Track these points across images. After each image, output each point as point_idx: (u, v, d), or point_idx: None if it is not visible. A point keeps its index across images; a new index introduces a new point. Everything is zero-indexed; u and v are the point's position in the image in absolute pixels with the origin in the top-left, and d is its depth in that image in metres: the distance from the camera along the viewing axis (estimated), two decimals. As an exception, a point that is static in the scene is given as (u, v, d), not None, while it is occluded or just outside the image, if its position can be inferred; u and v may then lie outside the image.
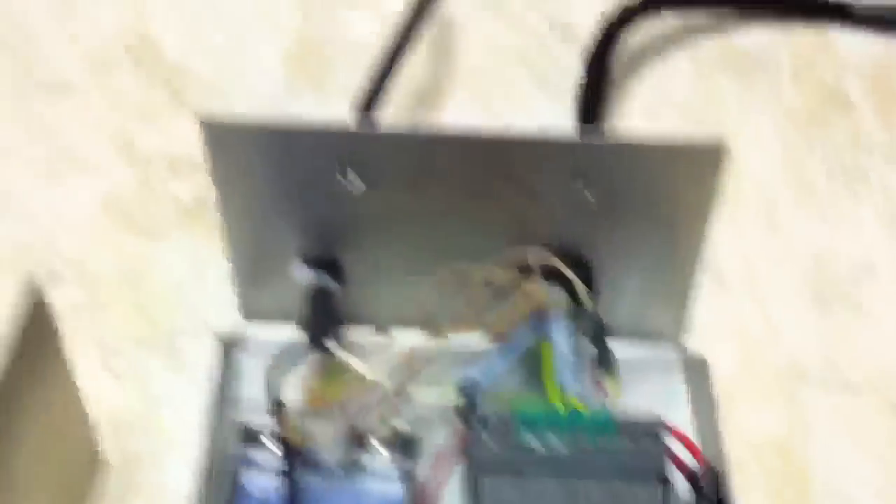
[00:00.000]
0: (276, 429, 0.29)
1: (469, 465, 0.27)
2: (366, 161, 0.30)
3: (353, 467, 0.29)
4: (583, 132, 0.38)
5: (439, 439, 0.29)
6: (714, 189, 0.30)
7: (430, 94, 0.43)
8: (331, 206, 0.31)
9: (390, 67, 0.38)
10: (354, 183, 0.30)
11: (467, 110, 0.42)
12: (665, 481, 0.27)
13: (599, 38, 0.42)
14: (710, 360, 0.31)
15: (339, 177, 0.30)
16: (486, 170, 0.30)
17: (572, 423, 0.27)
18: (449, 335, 0.30)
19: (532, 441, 0.27)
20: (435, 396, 0.30)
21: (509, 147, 0.29)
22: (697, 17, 0.46)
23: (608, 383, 0.29)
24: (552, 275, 0.31)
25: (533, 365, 0.31)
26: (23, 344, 0.25)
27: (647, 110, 0.42)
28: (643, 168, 0.29)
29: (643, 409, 0.29)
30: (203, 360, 0.33)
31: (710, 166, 0.29)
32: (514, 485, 0.27)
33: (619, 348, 0.32)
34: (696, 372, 0.31)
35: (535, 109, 0.42)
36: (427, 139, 0.30)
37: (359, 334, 0.32)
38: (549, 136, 0.30)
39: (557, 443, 0.27)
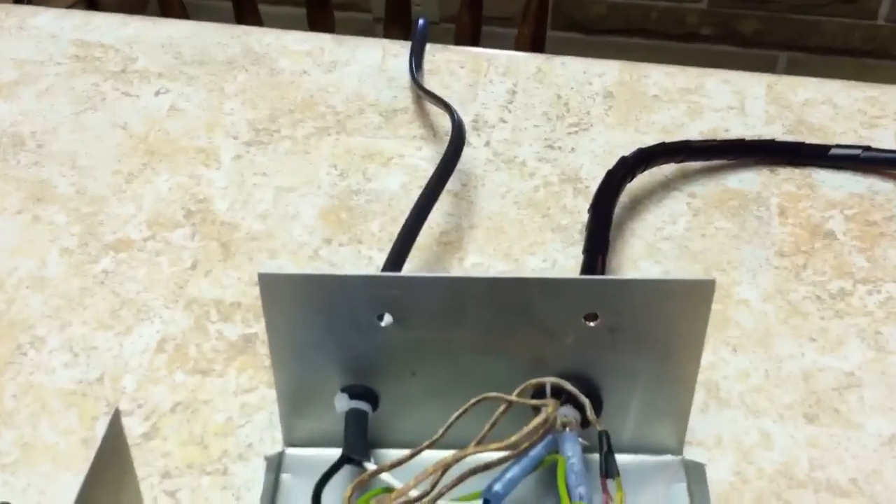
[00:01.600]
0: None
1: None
2: (399, 303, 0.34)
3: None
4: (590, 272, 0.42)
5: (465, 545, 0.33)
6: (706, 318, 0.34)
7: (453, 240, 0.47)
8: (368, 344, 0.35)
9: (419, 222, 0.43)
10: (389, 323, 0.34)
11: (487, 252, 0.47)
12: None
13: (603, 186, 0.46)
14: (708, 466, 0.35)
15: (375, 318, 0.34)
16: (507, 308, 0.34)
17: (581, 523, 0.30)
18: (477, 452, 0.34)
19: (546, 540, 0.30)
20: (460, 506, 0.33)
21: (526, 287, 0.34)
22: (693, 164, 0.51)
23: (613, 488, 0.32)
24: (565, 396, 0.34)
25: (547, 475, 0.34)
26: (102, 464, 0.29)
27: (648, 247, 0.47)
28: (644, 302, 0.34)
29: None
30: (251, 482, 0.37)
31: (702, 299, 0.33)
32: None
33: (627, 460, 0.36)
34: (695, 476, 0.35)
35: (548, 251, 0.47)
36: (453, 283, 0.34)
37: (384, 453, 0.36)
38: (560, 277, 0.34)
39: (568, 540, 0.30)
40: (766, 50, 1.46)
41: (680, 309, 0.34)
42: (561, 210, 0.49)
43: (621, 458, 0.36)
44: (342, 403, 0.36)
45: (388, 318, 0.35)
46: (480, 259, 0.46)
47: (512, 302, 0.34)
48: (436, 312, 0.34)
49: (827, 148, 0.50)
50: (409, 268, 0.44)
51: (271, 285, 0.34)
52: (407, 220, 0.43)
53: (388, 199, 0.49)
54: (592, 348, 0.35)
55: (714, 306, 0.43)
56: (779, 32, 1.44)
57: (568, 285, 0.34)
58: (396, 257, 0.41)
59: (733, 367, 0.41)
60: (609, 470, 0.32)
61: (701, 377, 0.40)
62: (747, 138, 0.51)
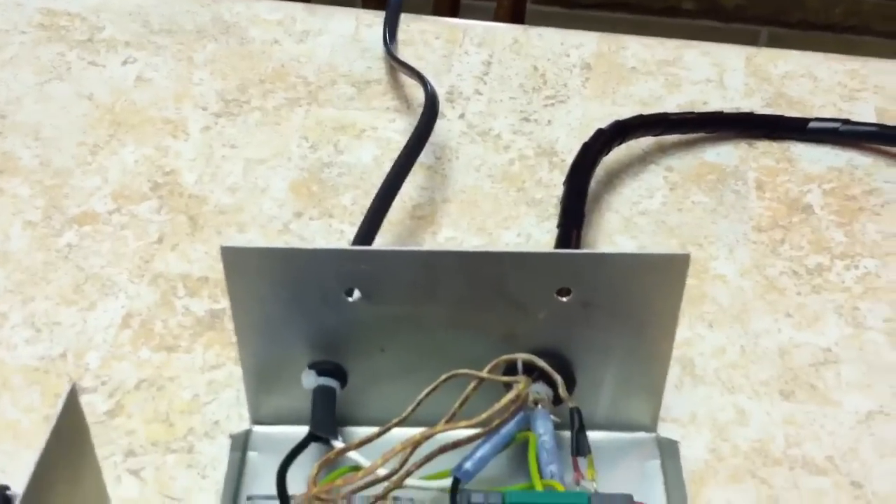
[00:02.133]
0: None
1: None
2: (368, 277, 0.33)
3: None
4: (564, 246, 0.42)
5: (435, 525, 0.32)
6: (680, 293, 0.33)
7: (426, 214, 0.46)
8: (336, 319, 0.34)
9: (390, 194, 0.42)
10: (358, 298, 0.33)
11: (460, 226, 0.46)
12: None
13: (578, 159, 0.46)
14: (681, 444, 0.34)
15: (343, 293, 0.33)
16: (479, 283, 0.33)
17: (552, 502, 0.30)
18: (447, 430, 0.33)
19: (516, 520, 0.30)
20: (431, 484, 0.33)
21: (498, 261, 0.33)
22: (670, 137, 0.50)
23: (584, 466, 0.32)
24: (537, 373, 0.34)
25: (519, 452, 0.34)
26: (59, 442, 0.28)
27: (624, 221, 0.46)
28: (618, 276, 0.33)
29: (622, 490, 0.32)
30: (218, 460, 0.36)
31: (676, 274, 0.33)
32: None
33: (600, 437, 0.35)
34: (668, 453, 0.34)
35: (523, 225, 0.46)
36: (423, 257, 0.33)
37: (353, 431, 0.35)
38: (533, 251, 0.33)
39: (538, 520, 0.29)
40: (748, 25, 1.45)
41: (654, 283, 0.33)
42: (536, 184, 0.48)
43: (595, 435, 0.35)
44: (309, 380, 0.35)
45: (356, 293, 0.34)
46: (454, 233, 0.46)
47: (484, 276, 0.33)
48: (406, 287, 0.34)
49: (806, 121, 0.49)
50: (382, 242, 0.43)
51: (235, 259, 0.33)
52: (378, 193, 0.42)
53: (361, 172, 0.48)
54: (565, 324, 0.34)
55: (690, 281, 0.42)
56: (760, 7, 1.43)
57: (541, 259, 0.33)
58: (367, 231, 0.40)
59: (709, 344, 0.40)
60: (580, 448, 0.32)
61: (676, 353, 0.40)
62: (725, 111, 0.51)
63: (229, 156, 0.49)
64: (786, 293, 0.42)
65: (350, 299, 0.34)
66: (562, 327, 0.34)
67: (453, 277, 0.33)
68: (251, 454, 0.35)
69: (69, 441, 0.29)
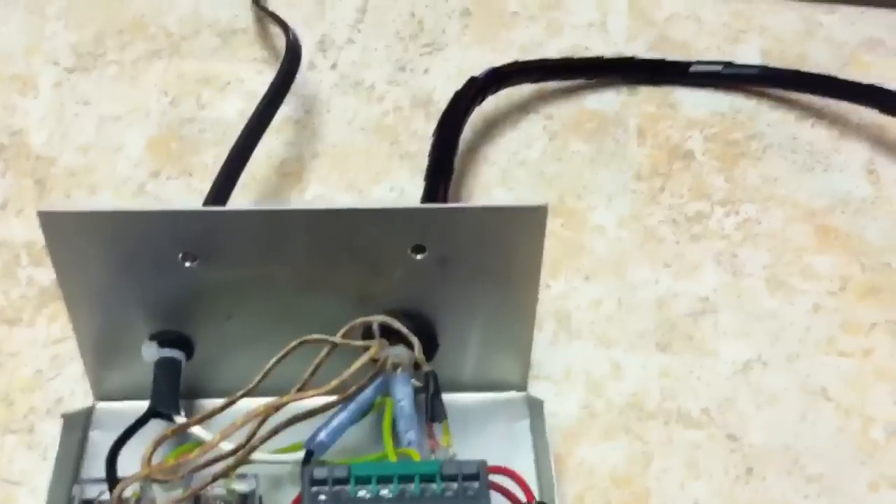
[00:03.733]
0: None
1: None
2: (209, 239, 0.31)
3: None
4: (431, 201, 0.39)
5: (287, 500, 0.30)
6: (540, 245, 0.31)
7: (293, 171, 0.44)
8: (177, 285, 0.31)
9: (245, 151, 0.40)
10: (197, 262, 0.31)
11: (330, 182, 0.43)
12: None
13: (449, 109, 0.43)
14: (554, 401, 0.32)
15: (180, 257, 0.31)
16: (327, 242, 0.31)
17: (403, 472, 0.28)
18: (295, 399, 0.31)
19: (364, 494, 0.28)
20: (283, 457, 0.31)
21: (345, 218, 0.31)
22: (551, 84, 0.48)
23: (439, 433, 0.30)
24: (396, 336, 0.32)
25: (378, 420, 0.32)
26: None
27: (502, 173, 0.44)
28: (474, 231, 0.31)
29: (490, 454, 0.30)
30: (57, 440, 0.33)
31: (535, 225, 0.31)
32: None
33: (470, 399, 0.33)
34: (535, 413, 0.33)
35: (396, 180, 0.44)
36: (265, 216, 0.31)
37: (205, 404, 0.32)
38: (381, 207, 0.31)
39: (387, 493, 0.27)
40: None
41: (513, 236, 0.31)
42: (411, 136, 0.46)
43: (464, 397, 0.34)
44: (150, 352, 0.32)
45: (194, 257, 0.31)
46: (323, 190, 0.43)
47: (332, 235, 0.31)
48: (248, 249, 0.31)
49: (688, 65, 0.48)
50: (246, 201, 0.41)
51: (55, 224, 0.30)
52: (231, 150, 0.39)
53: (224, 127, 0.45)
54: (423, 282, 0.32)
55: (567, 233, 0.40)
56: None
57: (390, 216, 0.31)
58: (219, 190, 0.38)
59: (585, 297, 0.39)
60: (435, 413, 0.30)
61: (551, 307, 0.38)
62: (606, 56, 0.49)
63: (82, 113, 0.46)
64: (664, 242, 0.41)
65: (188, 264, 0.31)
66: (419, 286, 0.32)
67: (299, 237, 0.31)
68: (94, 433, 0.33)
69: None
